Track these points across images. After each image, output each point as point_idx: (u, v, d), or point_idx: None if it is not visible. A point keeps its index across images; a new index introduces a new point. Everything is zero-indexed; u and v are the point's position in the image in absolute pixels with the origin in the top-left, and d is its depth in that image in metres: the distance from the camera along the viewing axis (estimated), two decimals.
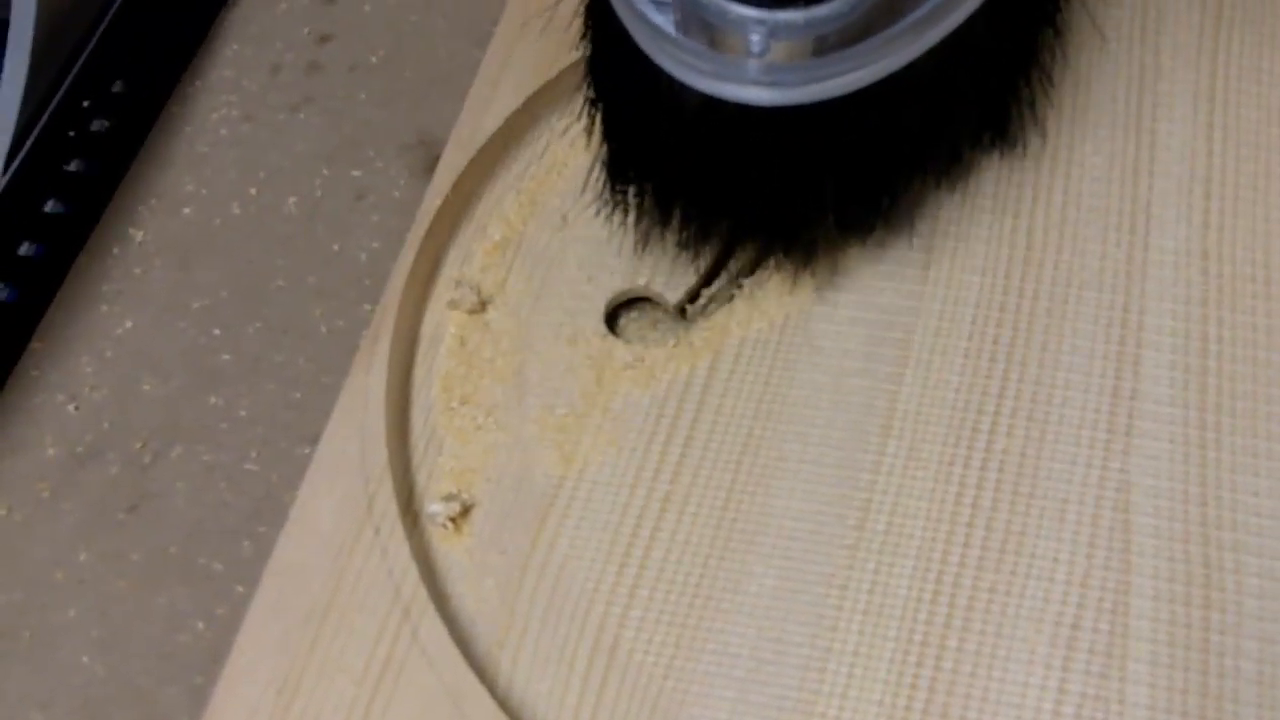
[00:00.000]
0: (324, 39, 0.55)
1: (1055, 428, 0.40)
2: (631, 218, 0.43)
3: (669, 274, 0.44)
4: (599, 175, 0.43)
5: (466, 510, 0.40)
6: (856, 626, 0.38)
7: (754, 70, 0.37)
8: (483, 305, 0.44)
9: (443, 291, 0.44)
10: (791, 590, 0.38)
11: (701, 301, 0.43)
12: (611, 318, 0.44)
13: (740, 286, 0.44)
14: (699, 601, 0.38)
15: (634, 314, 0.45)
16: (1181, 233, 0.43)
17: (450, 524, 0.39)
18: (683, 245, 0.43)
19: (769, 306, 0.43)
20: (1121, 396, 0.40)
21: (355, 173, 0.50)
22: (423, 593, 0.38)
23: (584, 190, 0.44)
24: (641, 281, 0.44)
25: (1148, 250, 0.43)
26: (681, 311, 0.43)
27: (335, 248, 0.48)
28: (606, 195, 0.43)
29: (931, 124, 0.41)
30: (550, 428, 0.41)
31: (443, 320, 0.44)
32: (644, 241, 0.44)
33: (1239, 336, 0.41)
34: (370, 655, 0.37)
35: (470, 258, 0.45)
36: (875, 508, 0.39)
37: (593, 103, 0.43)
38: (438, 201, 0.44)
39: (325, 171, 0.50)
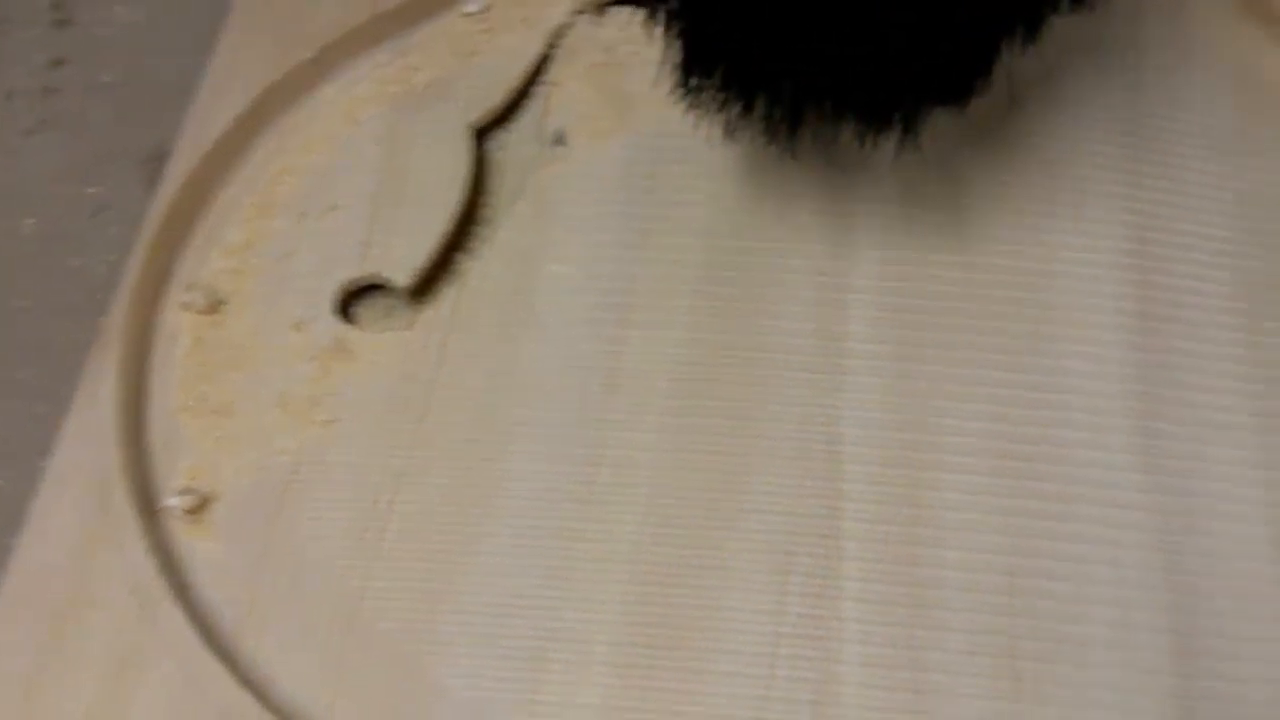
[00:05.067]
0: (58, 63, 0.57)
1: (770, 372, 0.44)
2: (717, 112, 0.44)
3: (398, 259, 0.46)
4: (681, 78, 0.44)
5: (205, 502, 0.42)
6: (587, 573, 0.41)
7: None
8: (217, 305, 0.46)
9: (177, 295, 0.47)
10: (527, 546, 0.41)
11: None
12: (346, 306, 0.47)
13: (465, 265, 0.46)
14: (438, 566, 0.41)
15: (368, 300, 0.47)
16: (879, 180, 0.47)
17: (189, 516, 0.42)
18: (770, 132, 0.44)
19: (496, 283, 0.46)
20: (831, 337, 0.45)
21: (92, 189, 0.53)
22: (161, 584, 0.40)
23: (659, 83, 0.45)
24: (371, 268, 0.46)
25: (851, 200, 0.47)
26: (412, 294, 0.46)
27: (75, 264, 0.50)
28: (694, 94, 0.44)
29: None
30: (286, 416, 0.44)
31: (178, 322, 0.46)
32: (731, 132, 0.45)
33: (936, 273, 0.45)
34: (111, 649, 0.39)
35: (207, 261, 0.48)
36: (603, 461, 0.43)
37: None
38: (163, 208, 0.47)
39: (63, 190, 0.53)
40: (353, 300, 0.47)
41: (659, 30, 0.44)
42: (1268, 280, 0.45)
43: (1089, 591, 0.40)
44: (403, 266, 0.47)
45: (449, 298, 0.46)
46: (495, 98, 0.51)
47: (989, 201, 0.47)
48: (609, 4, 0.53)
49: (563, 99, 0.51)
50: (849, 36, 0.40)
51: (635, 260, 0.46)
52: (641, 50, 0.51)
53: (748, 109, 0.43)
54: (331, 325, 0.46)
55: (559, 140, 0.49)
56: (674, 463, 0.42)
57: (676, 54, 0.43)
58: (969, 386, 0.44)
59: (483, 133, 0.51)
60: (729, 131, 0.45)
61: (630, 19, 0.53)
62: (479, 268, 0.47)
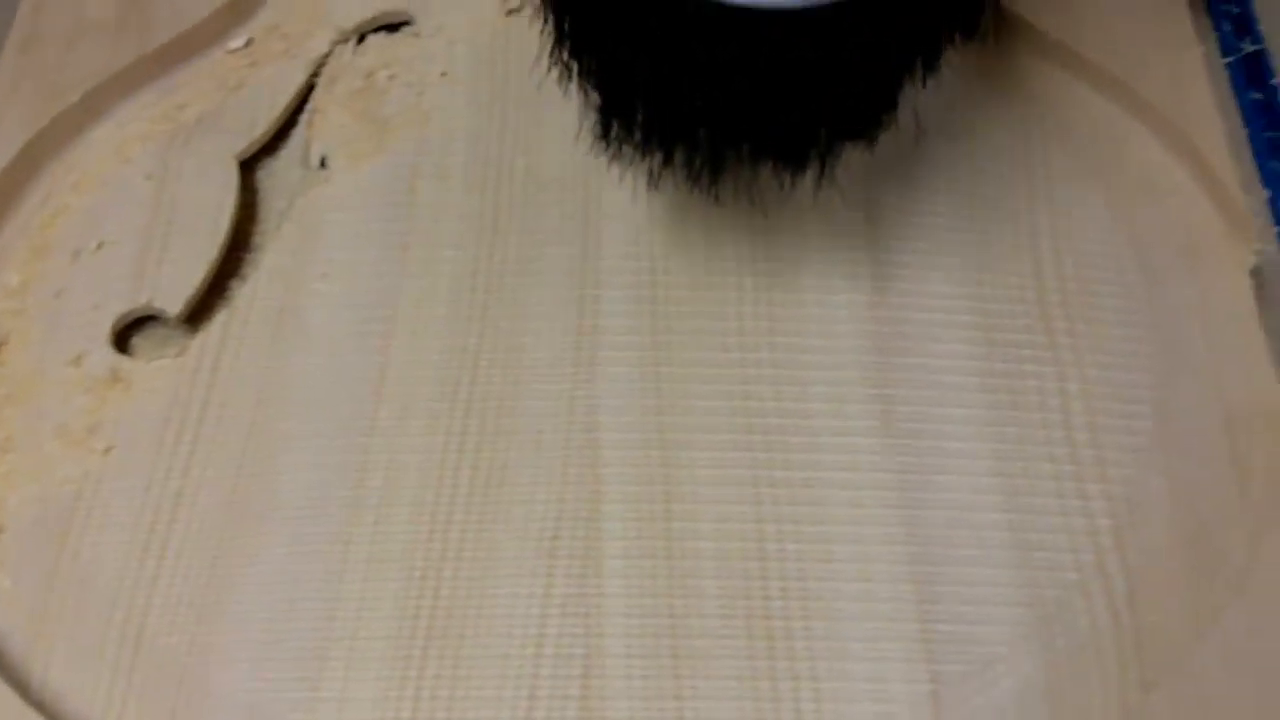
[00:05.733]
0: None
1: (528, 370, 0.47)
2: (633, 158, 0.46)
3: (170, 289, 0.48)
4: (591, 121, 0.46)
5: None
6: (361, 574, 0.43)
7: None
8: None
9: None
10: (301, 554, 0.44)
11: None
12: (125, 338, 0.48)
13: (233, 291, 0.48)
14: (216, 580, 0.43)
15: (145, 331, 0.49)
16: (630, 182, 0.50)
17: None
18: (694, 177, 0.45)
19: (264, 305, 0.48)
20: (585, 333, 0.47)
21: None
22: None
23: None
24: (143, 300, 0.48)
25: (601, 204, 0.50)
26: (186, 321, 0.48)
27: None
28: (603, 140, 0.46)
29: (919, 24, 0.44)
30: (66, 447, 0.46)
31: None
32: (656, 180, 0.47)
33: (681, 265, 0.48)
34: None
35: None
36: (372, 466, 0.45)
37: (578, 43, 0.45)
38: None
39: None
40: (130, 332, 0.49)
41: (573, 86, 0.46)
42: (990, 249, 0.49)
43: (835, 550, 0.43)
44: (174, 296, 0.49)
45: (220, 322, 0.48)
46: (260, 128, 0.53)
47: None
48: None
49: (324, 125, 0.53)
50: (761, 83, 0.42)
51: (396, 274, 0.49)
52: (397, 75, 0.54)
53: (668, 159, 0.45)
54: (107, 357, 0.48)
55: (322, 165, 0.52)
56: (440, 462, 0.45)
57: (594, 110, 0.45)
58: (715, 369, 0.46)
59: (251, 162, 0.53)
60: (652, 181, 0.47)
61: (385, 46, 0.55)
62: (248, 291, 0.49)
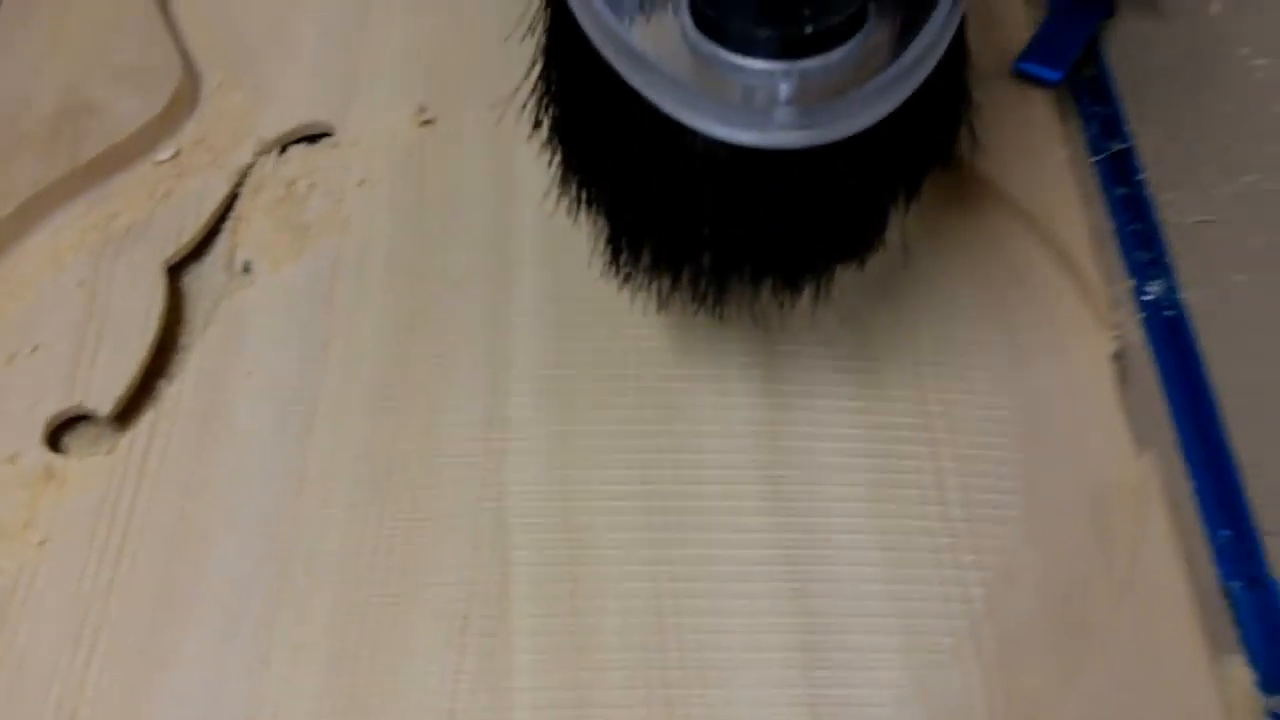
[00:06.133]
0: None
1: (442, 460, 0.50)
2: (643, 283, 0.49)
3: (100, 390, 0.52)
4: (603, 251, 0.49)
5: None
6: (285, 657, 0.46)
7: (784, 116, 0.42)
8: None
9: None
10: (227, 639, 0.47)
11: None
12: (58, 437, 0.52)
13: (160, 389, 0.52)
14: (144, 665, 0.46)
15: (78, 430, 0.52)
16: (538, 281, 0.55)
17: None
18: (699, 299, 0.48)
19: (191, 403, 0.51)
20: (495, 424, 0.51)
21: None
22: None
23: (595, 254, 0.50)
24: (75, 400, 0.52)
25: (511, 302, 0.54)
26: (116, 420, 0.51)
27: None
28: (612, 266, 0.49)
29: (909, 153, 0.47)
30: (2, 540, 0.48)
31: None
32: (664, 303, 0.50)
33: (585, 359, 0.52)
34: None
35: None
36: (294, 555, 0.48)
37: (587, 177, 0.48)
38: None
39: None
40: (63, 431, 0.52)
41: (586, 218, 0.49)
42: (874, 340, 0.53)
43: (728, 623, 0.47)
44: (105, 396, 0.52)
45: (148, 420, 0.51)
46: (187, 235, 0.56)
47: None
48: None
49: (248, 232, 0.57)
50: (766, 213, 0.45)
51: (318, 371, 0.52)
52: (317, 183, 0.57)
53: (675, 282, 0.49)
54: (41, 455, 0.51)
55: (246, 269, 0.55)
56: (359, 549, 0.48)
57: (603, 239, 0.49)
58: (617, 454, 0.50)
59: (178, 268, 0.56)
60: (660, 303, 0.50)
61: (306, 155, 0.59)
62: (175, 390, 0.52)
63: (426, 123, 0.60)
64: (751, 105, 0.43)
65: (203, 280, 0.56)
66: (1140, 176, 0.59)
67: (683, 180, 0.44)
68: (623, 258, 0.49)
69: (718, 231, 0.46)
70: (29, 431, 0.51)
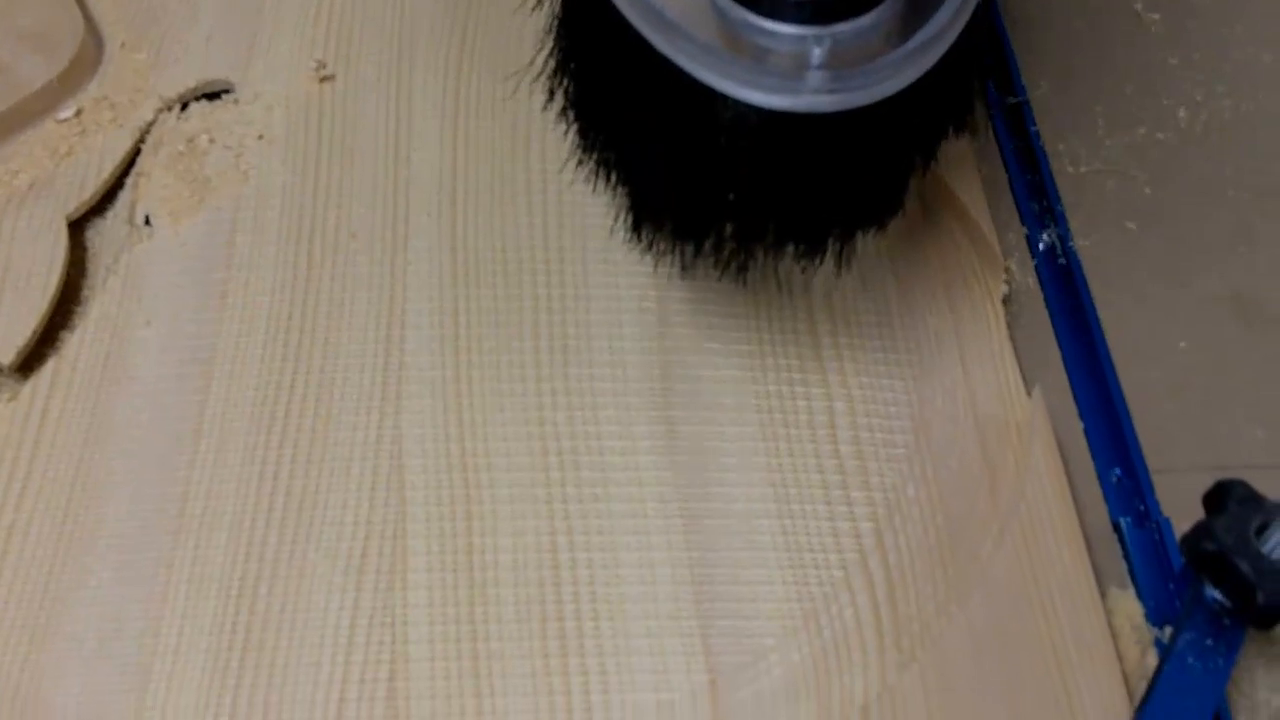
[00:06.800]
0: None
1: (339, 404, 0.51)
2: (664, 249, 0.50)
3: (2, 339, 0.52)
4: (633, 230, 0.50)
5: None
6: (183, 593, 0.47)
7: (816, 80, 0.42)
8: None
9: None
10: (127, 578, 0.48)
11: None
12: None
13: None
14: (47, 604, 0.47)
15: None
16: (434, 231, 0.55)
17: None
18: (723, 263, 0.49)
19: (91, 351, 0.52)
20: (391, 369, 0.52)
21: None
22: None
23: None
24: None
25: (407, 251, 0.55)
26: (18, 369, 0.52)
27: None
28: (634, 234, 0.50)
29: (931, 120, 0.48)
30: None
31: None
32: (688, 269, 0.51)
33: (481, 306, 0.53)
34: None
35: None
36: (192, 496, 0.49)
37: (609, 146, 0.49)
38: None
39: None
40: None
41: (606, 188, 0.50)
42: (769, 286, 0.55)
43: (621, 557, 0.48)
44: (6, 346, 0.52)
45: (50, 369, 0.52)
46: (89, 190, 0.57)
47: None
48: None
49: (149, 187, 0.58)
50: (792, 179, 0.46)
51: (215, 320, 0.53)
52: (217, 139, 0.58)
53: (698, 250, 0.49)
54: None
55: (147, 222, 0.56)
56: (256, 490, 0.49)
57: (625, 211, 0.50)
58: (513, 398, 0.51)
59: (81, 222, 0.57)
60: (684, 269, 0.52)
61: (207, 112, 0.60)
62: (76, 339, 0.53)
63: (326, 79, 0.60)
64: (784, 70, 0.43)
65: (104, 234, 0.57)
66: (1034, 129, 0.61)
67: (711, 146, 0.45)
68: (645, 228, 0.50)
69: (745, 197, 0.46)
70: None
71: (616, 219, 0.52)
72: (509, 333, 0.53)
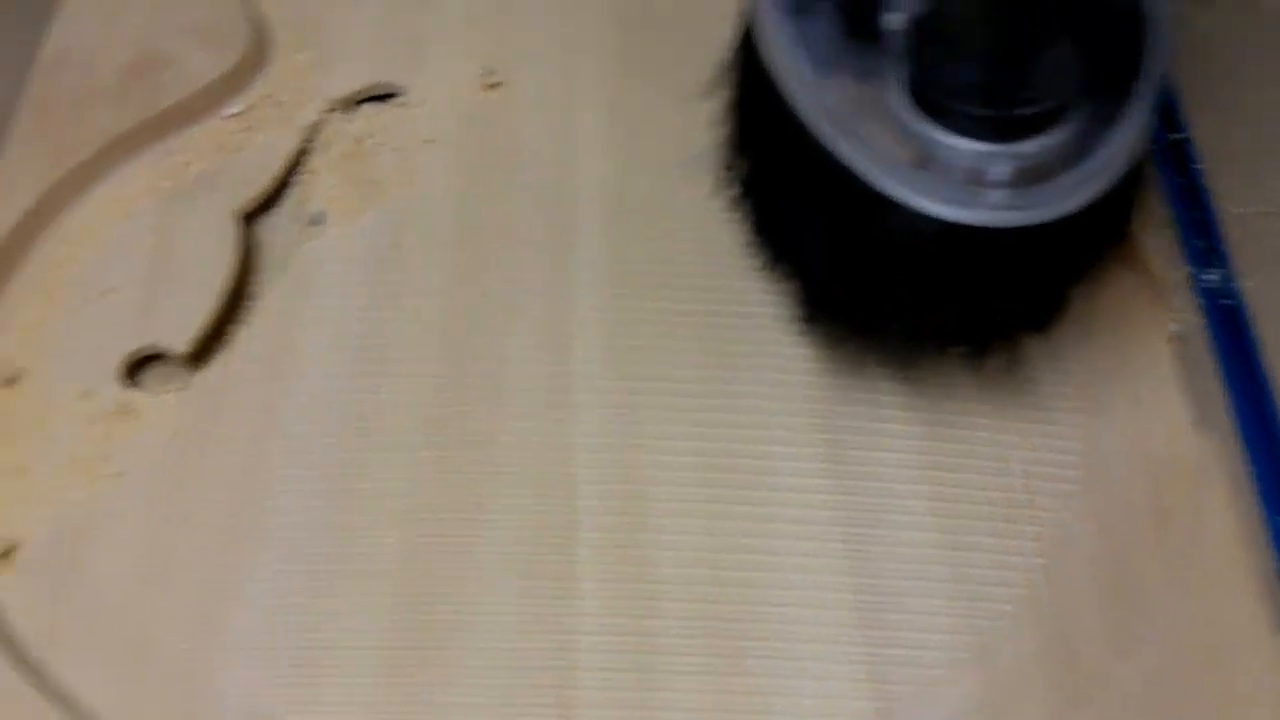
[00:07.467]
0: None
1: (508, 409, 0.52)
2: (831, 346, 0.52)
3: (175, 330, 0.53)
4: (803, 322, 0.52)
5: (11, 549, 0.49)
6: (354, 589, 0.48)
7: (998, 197, 0.44)
8: (15, 379, 0.52)
9: None
10: (294, 570, 0.48)
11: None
12: (133, 373, 0.53)
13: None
14: (215, 594, 0.48)
15: (152, 369, 0.54)
16: (600, 241, 0.56)
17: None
18: (889, 364, 0.51)
19: (261, 346, 0.53)
20: (560, 376, 0.52)
21: None
22: None
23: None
24: (151, 339, 0.53)
25: (575, 259, 0.56)
26: (190, 360, 0.53)
27: None
28: (805, 325, 0.52)
29: (1086, 240, 0.49)
30: (78, 471, 0.50)
31: None
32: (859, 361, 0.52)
33: (646, 318, 0.54)
34: None
35: (6, 340, 0.54)
36: (360, 494, 0.50)
37: (780, 239, 0.52)
38: None
39: None
40: (138, 369, 0.54)
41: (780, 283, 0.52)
42: None
43: (788, 578, 0.48)
44: (179, 336, 0.53)
45: (221, 361, 0.53)
46: (257, 187, 0.58)
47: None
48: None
49: (318, 185, 0.58)
50: (964, 285, 0.47)
51: (384, 320, 0.54)
52: (386, 141, 0.59)
53: (867, 347, 0.51)
54: (116, 391, 0.52)
55: (316, 221, 0.57)
56: (426, 490, 0.50)
57: (795, 301, 0.52)
58: (678, 411, 0.52)
59: (250, 218, 0.58)
60: (852, 365, 0.53)
61: (374, 114, 0.61)
62: (247, 334, 0.54)
63: (493, 86, 0.61)
64: (966, 184, 0.44)
65: (274, 231, 0.58)
66: (1197, 166, 0.60)
67: (886, 251, 0.46)
68: (815, 324, 0.51)
69: (914, 301, 0.48)
70: (104, 369, 0.53)
71: (788, 312, 0.53)
72: (674, 345, 0.53)
